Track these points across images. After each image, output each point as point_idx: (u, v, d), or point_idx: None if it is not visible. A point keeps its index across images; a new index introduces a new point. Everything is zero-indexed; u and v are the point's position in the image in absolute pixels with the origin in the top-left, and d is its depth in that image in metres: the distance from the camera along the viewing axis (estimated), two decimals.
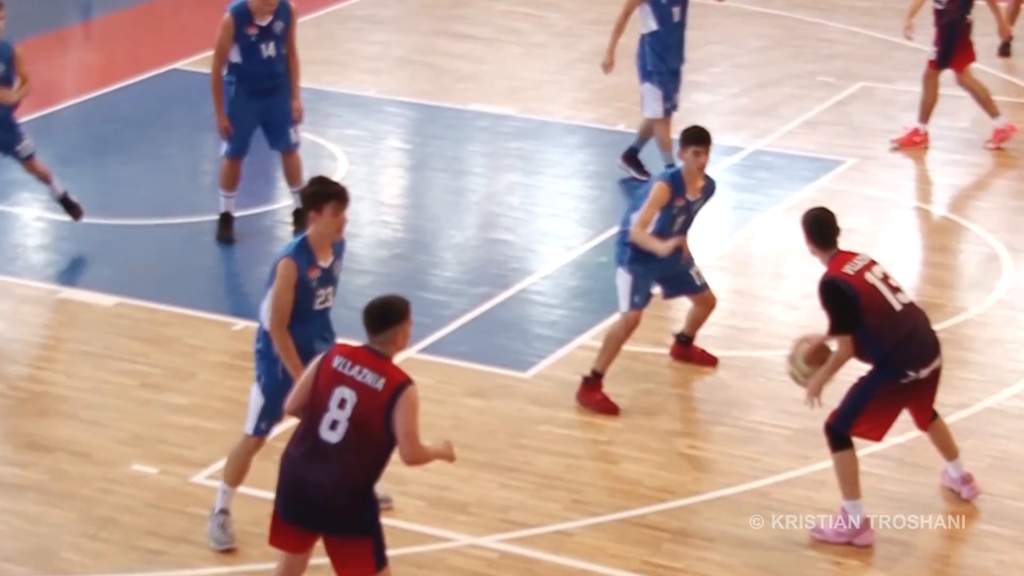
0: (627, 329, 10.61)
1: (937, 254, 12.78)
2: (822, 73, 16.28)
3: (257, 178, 14.00)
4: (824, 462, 9.84)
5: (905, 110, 15.47)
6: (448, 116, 15.45)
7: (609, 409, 10.52)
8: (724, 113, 15.49)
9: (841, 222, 12.93)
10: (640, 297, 10.58)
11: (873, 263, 9.15)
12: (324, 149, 14.72)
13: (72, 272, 12.48)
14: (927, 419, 9.37)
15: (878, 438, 9.21)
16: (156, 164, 14.49)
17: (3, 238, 13.05)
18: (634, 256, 10.54)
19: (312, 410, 7.61)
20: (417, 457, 7.59)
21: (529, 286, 12.20)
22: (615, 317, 11.54)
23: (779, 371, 10.99)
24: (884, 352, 8.98)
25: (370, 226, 13.36)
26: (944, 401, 10.46)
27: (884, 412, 9.09)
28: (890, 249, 12.80)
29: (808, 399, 9.22)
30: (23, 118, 12.82)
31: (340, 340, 8.39)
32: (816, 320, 11.62)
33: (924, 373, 9.06)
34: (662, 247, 10.42)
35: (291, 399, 7.81)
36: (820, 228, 9.27)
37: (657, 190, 10.59)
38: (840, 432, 9.10)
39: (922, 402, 9.24)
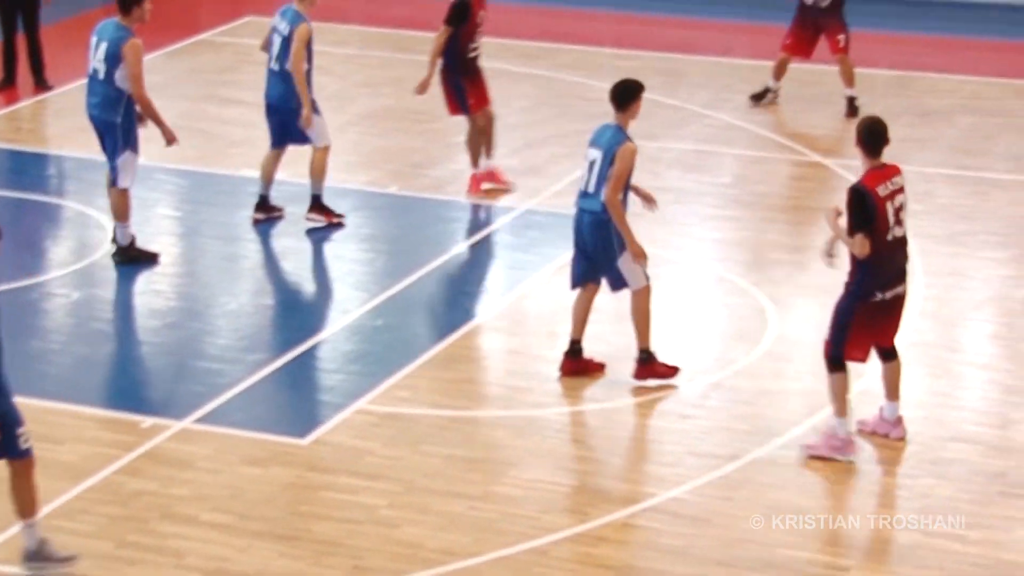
0: (648, 299, 11.45)
1: (705, 308, 13.05)
2: (589, 132, 16.48)
3: (23, 250, 13.76)
4: (602, 518, 9.99)
5: (670, 167, 15.81)
6: (219, 182, 15.36)
7: (672, 371, 11.53)
8: None
9: None
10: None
11: (897, 192, 10.29)
12: (92, 219, 14.52)
13: None
14: (889, 343, 10.63)
15: (863, 359, 10.59)
16: None
17: None
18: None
19: None
20: None
21: (305, 351, 12.17)
22: (407, 370, 11.63)
23: (556, 429, 11.14)
24: (863, 266, 10.25)
25: (142, 296, 13.20)
26: (715, 452, 10.73)
27: (863, 333, 10.44)
28: (660, 303, 13.03)
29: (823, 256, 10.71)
30: None
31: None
32: (591, 377, 11.79)
33: (888, 295, 10.39)
34: (637, 246, 11.32)
35: None
36: (871, 137, 10.35)
37: (629, 154, 11.27)
38: (835, 356, 10.48)
39: (887, 324, 10.55)
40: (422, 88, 14.75)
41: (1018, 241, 14.08)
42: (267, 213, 14.40)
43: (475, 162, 14.98)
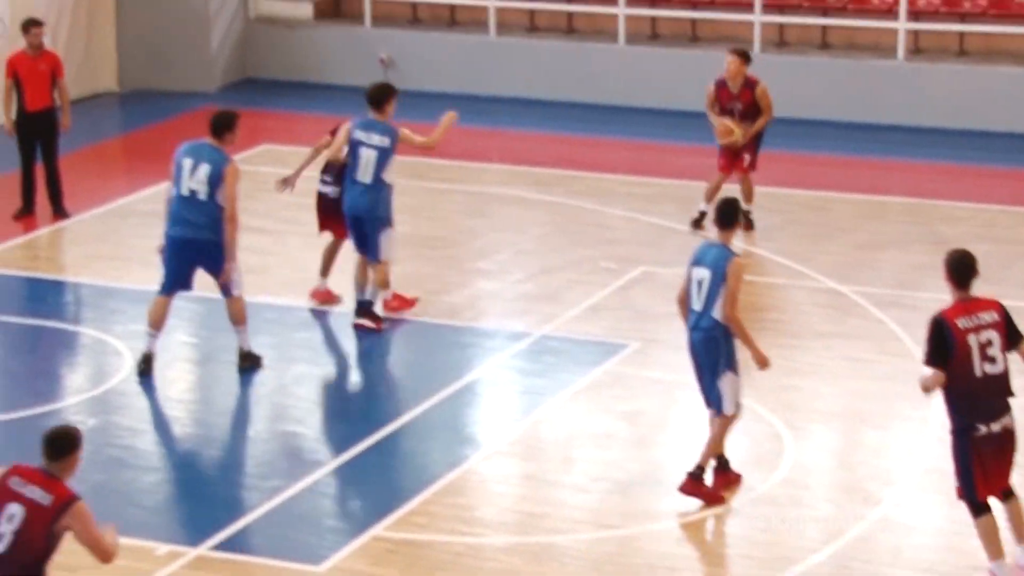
0: (729, 427, 11.68)
1: None
2: (603, 258, 16.63)
3: (40, 376, 13.81)
4: None
5: None
6: None
7: (717, 500, 11.59)
8: (509, 299, 15.70)
9: (627, 405, 13.26)
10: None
11: (985, 328, 10.24)
12: (109, 346, 14.56)
13: None
14: (1004, 481, 10.38)
15: (997, 493, 10.35)
16: None
17: None
18: (733, 354, 11.48)
19: None
20: (107, 555, 8.69)
21: (321, 478, 12.15)
22: (423, 496, 11.55)
23: (573, 555, 11.08)
24: (954, 401, 10.20)
25: (158, 422, 13.21)
26: None
27: (988, 467, 10.25)
28: (677, 430, 13.04)
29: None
30: None
31: None
32: (607, 503, 11.77)
33: (995, 428, 10.23)
34: (761, 353, 11.55)
35: None
36: (958, 270, 10.41)
37: (741, 270, 11.52)
38: (970, 499, 10.29)
39: (1000, 460, 10.31)
40: (288, 184, 15.21)
41: None
42: (371, 319, 14.68)
43: (327, 273, 15.24)
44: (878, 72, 21.64)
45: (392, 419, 13.11)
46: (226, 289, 13.78)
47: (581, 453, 12.57)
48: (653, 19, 23.02)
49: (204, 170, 13.49)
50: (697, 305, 11.57)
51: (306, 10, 24.00)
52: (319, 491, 11.96)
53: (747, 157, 17.28)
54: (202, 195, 13.48)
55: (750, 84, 17.14)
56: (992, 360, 10.19)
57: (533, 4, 23.46)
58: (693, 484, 11.63)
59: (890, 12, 21.78)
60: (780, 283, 16.26)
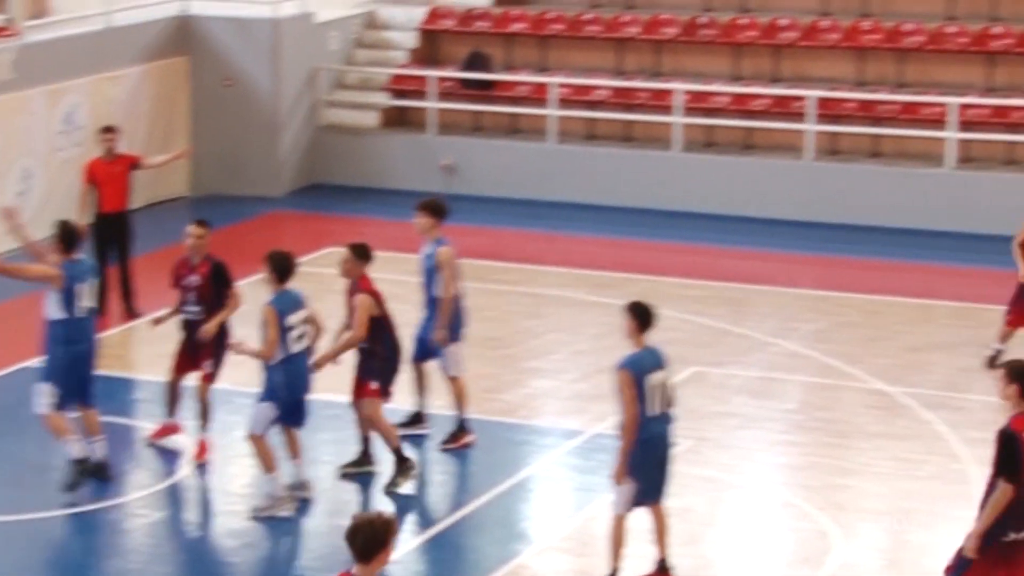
0: None
1: (770, 532, 13.23)
2: None
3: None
4: None
5: (737, 393, 16.12)
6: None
7: None
8: (564, 398, 16.00)
9: (677, 502, 13.51)
10: None
11: None
12: (172, 441, 14.91)
13: None
14: None
15: None
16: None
17: None
18: None
19: None
20: None
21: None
22: None
23: None
24: (1011, 510, 9.91)
25: (219, 516, 13.51)
26: None
27: (989, 570, 10.05)
28: (725, 528, 13.26)
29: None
30: None
31: None
32: None
33: (1021, 536, 10.05)
34: None
35: None
36: (1019, 379, 10.04)
37: None
38: None
39: (1018, 568, 10.11)
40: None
41: None
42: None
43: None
44: (927, 180, 21.98)
45: (446, 515, 13.40)
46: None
47: (632, 549, 12.77)
48: (709, 128, 23.48)
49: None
50: (667, 407, 11.99)
51: (372, 118, 24.62)
52: None
53: None
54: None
55: None
56: None
57: (592, 113, 23.97)
58: None
59: (940, 122, 22.14)
60: (830, 383, 16.50)
